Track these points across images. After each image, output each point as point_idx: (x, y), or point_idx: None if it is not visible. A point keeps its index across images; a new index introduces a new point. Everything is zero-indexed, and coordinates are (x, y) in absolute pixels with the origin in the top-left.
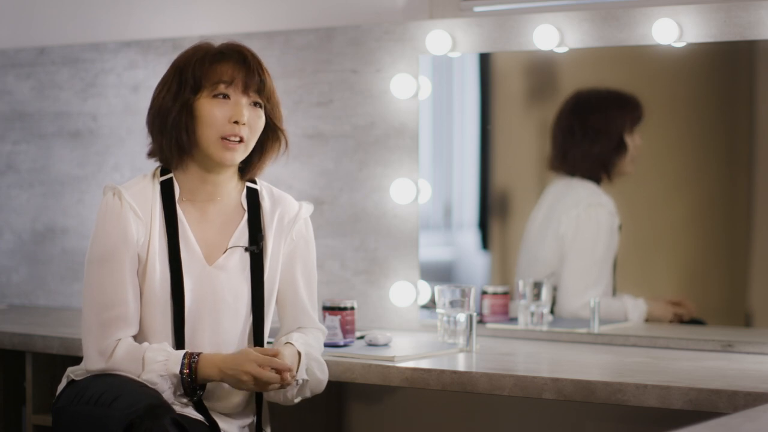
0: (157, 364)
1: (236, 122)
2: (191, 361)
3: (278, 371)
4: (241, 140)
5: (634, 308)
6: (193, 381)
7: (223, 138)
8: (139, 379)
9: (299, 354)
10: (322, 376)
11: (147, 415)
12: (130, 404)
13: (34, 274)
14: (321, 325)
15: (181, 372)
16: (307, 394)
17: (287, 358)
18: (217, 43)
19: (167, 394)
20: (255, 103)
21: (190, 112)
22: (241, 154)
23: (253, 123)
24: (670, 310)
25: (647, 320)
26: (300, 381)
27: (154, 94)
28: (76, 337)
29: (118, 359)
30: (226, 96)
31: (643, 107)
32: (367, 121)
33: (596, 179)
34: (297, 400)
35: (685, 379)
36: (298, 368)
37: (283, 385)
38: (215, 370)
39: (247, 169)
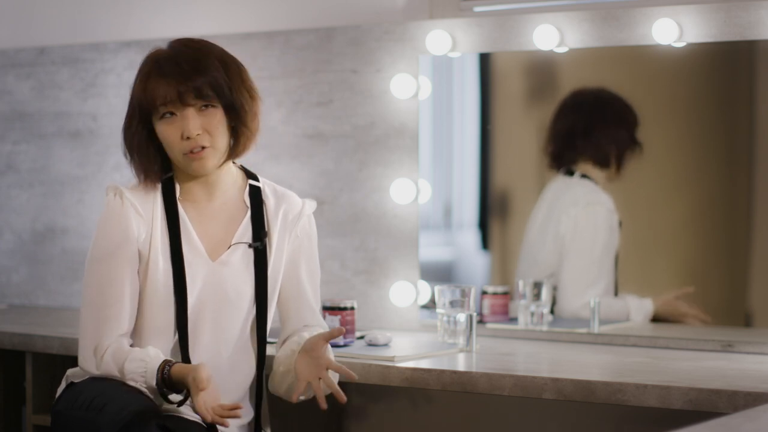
0: (136, 375)
1: (188, 138)
2: (164, 375)
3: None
4: (204, 147)
5: (639, 308)
6: (169, 390)
7: (185, 153)
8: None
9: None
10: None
11: (134, 421)
12: (119, 410)
13: (34, 274)
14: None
15: (157, 384)
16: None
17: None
18: (165, 47)
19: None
20: (205, 105)
21: (151, 136)
22: (210, 159)
23: (209, 126)
24: (679, 309)
25: (653, 320)
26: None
27: (126, 112)
28: (76, 337)
29: (105, 365)
30: (172, 113)
31: (638, 117)
32: (367, 121)
33: (596, 177)
34: (302, 398)
35: (685, 379)
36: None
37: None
38: (185, 382)
39: (230, 154)
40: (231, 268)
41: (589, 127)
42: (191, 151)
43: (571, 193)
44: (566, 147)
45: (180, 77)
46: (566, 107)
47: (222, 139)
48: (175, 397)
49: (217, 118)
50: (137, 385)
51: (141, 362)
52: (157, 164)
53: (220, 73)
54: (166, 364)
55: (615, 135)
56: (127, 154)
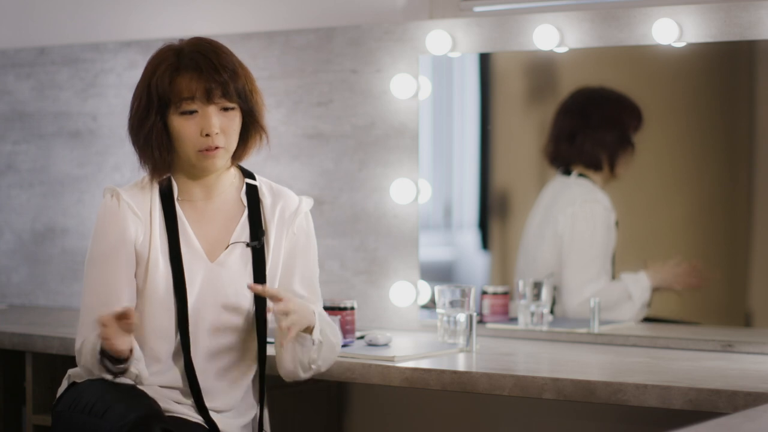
0: (89, 356)
1: (207, 135)
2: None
3: None
4: (218, 147)
5: (636, 283)
6: (109, 357)
7: (200, 150)
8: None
9: (314, 313)
10: (335, 339)
11: (137, 428)
12: (121, 416)
13: (34, 274)
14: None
15: (99, 359)
16: (320, 363)
17: (297, 304)
18: (185, 41)
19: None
20: (225, 108)
21: (164, 129)
22: (221, 159)
23: (227, 128)
24: (680, 280)
25: (655, 290)
26: (317, 342)
27: (131, 103)
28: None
29: (82, 357)
30: (193, 111)
31: (643, 115)
32: (367, 121)
33: (593, 176)
34: (307, 375)
35: (685, 379)
36: (315, 326)
37: None
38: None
39: (235, 158)
40: (229, 268)
41: (579, 132)
42: (206, 149)
43: (569, 193)
44: (563, 149)
45: (209, 73)
46: (565, 108)
47: (235, 141)
48: (118, 368)
49: (236, 121)
50: (99, 367)
51: (90, 342)
52: (171, 158)
53: (242, 77)
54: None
55: (604, 139)
56: (143, 147)
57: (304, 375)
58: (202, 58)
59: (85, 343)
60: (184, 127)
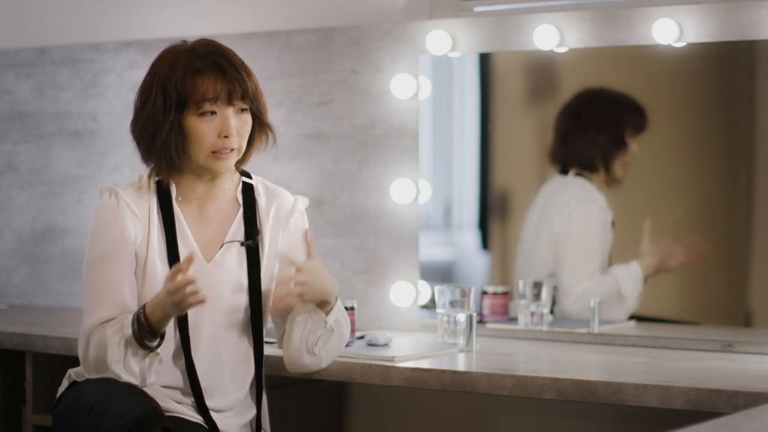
0: (115, 335)
1: (226, 136)
2: (139, 315)
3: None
4: (232, 149)
5: (627, 277)
6: (149, 331)
7: (214, 151)
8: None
9: (335, 295)
10: (345, 335)
11: (137, 427)
12: (121, 416)
13: (34, 274)
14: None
15: (133, 332)
16: (323, 354)
17: (316, 275)
18: (192, 42)
19: (136, 368)
20: (241, 109)
21: (180, 130)
22: (233, 160)
23: (241, 129)
24: (679, 256)
25: (648, 276)
26: (329, 326)
27: (137, 104)
28: (76, 336)
29: (91, 346)
30: (213, 112)
31: (648, 118)
32: (367, 121)
33: (590, 178)
34: (309, 361)
35: (685, 379)
36: (335, 303)
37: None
38: (159, 310)
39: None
40: (226, 267)
41: (574, 132)
42: (220, 151)
43: (565, 192)
44: (562, 150)
45: (225, 78)
46: (567, 109)
47: (246, 141)
48: (153, 342)
49: (249, 123)
50: (119, 348)
51: (117, 323)
52: (180, 165)
53: (253, 77)
54: (141, 308)
55: (598, 140)
56: (160, 149)
57: (307, 359)
58: (221, 59)
59: (108, 327)
60: (202, 129)
